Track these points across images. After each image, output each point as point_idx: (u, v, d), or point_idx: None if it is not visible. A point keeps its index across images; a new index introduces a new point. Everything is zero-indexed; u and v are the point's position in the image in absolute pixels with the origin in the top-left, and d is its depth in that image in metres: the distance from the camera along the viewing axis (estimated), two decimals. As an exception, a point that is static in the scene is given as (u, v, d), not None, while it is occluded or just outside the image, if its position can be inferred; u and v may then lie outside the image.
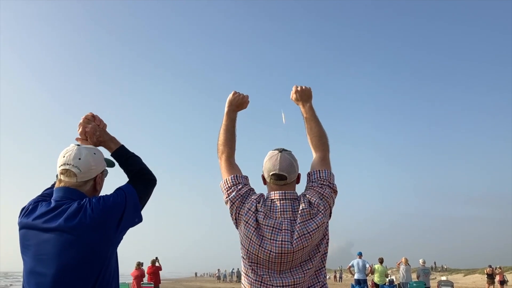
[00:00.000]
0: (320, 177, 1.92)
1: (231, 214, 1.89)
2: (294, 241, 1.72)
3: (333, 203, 1.91)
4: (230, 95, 2.15)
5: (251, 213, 1.81)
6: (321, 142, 2.05)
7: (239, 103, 2.14)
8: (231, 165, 2.01)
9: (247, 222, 1.80)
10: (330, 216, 1.89)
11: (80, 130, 1.87)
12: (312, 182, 1.93)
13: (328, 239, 1.86)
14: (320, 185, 1.89)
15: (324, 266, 1.85)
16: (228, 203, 1.90)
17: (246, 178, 1.99)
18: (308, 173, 1.98)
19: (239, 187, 1.90)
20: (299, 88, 2.18)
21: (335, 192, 1.93)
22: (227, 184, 1.94)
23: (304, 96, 2.17)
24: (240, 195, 1.87)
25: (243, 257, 1.84)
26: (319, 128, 2.09)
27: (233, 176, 1.95)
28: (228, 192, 1.91)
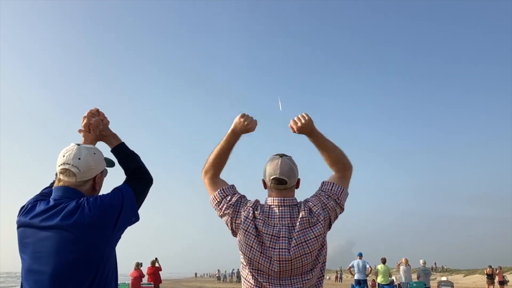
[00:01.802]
0: (331, 189, 1.92)
1: (227, 225, 1.91)
2: (292, 249, 1.75)
3: (336, 216, 1.91)
4: (237, 118, 1.96)
5: (249, 220, 1.83)
6: (342, 163, 1.96)
7: (244, 129, 1.96)
8: (214, 182, 2.00)
9: (246, 230, 1.82)
10: (329, 227, 1.91)
11: (85, 122, 1.90)
12: (322, 191, 1.94)
13: (325, 248, 1.88)
14: (327, 196, 1.90)
15: (323, 275, 1.89)
16: (223, 217, 1.93)
17: (232, 187, 1.99)
18: (323, 182, 1.98)
19: (228, 199, 1.92)
20: (299, 125, 1.93)
21: (341, 208, 1.92)
22: (216, 199, 1.95)
23: (306, 128, 1.93)
24: (232, 205, 1.89)
25: (243, 264, 1.86)
26: (335, 152, 1.96)
27: (220, 190, 1.96)
28: (220, 207, 1.93)
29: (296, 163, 1.94)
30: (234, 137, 1.98)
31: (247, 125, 1.95)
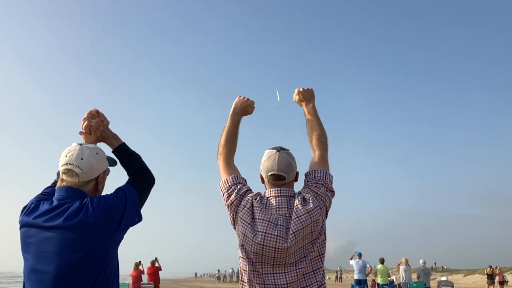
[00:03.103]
0: (315, 177, 1.93)
1: (230, 214, 1.91)
2: (289, 237, 1.73)
3: (330, 202, 1.91)
4: (236, 98, 2.17)
5: (246, 209, 1.83)
6: (320, 141, 2.06)
7: (243, 106, 2.15)
8: (229, 166, 2.04)
9: (242, 218, 1.82)
10: (326, 215, 1.90)
11: (85, 124, 1.89)
12: (308, 181, 1.95)
13: (324, 239, 1.86)
14: (315, 184, 1.90)
15: (322, 267, 1.85)
16: (228, 204, 1.91)
17: (244, 179, 2.01)
18: (306, 173, 2.00)
19: (238, 187, 1.92)
20: (301, 89, 2.20)
21: (332, 192, 1.93)
22: (228, 183, 1.95)
23: (307, 96, 2.19)
24: (240, 195, 1.90)
25: (240, 256, 1.86)
26: (319, 128, 2.10)
27: (233, 176, 1.97)
28: (229, 191, 1.92)
29: (294, 156, 1.94)
30: (236, 116, 2.13)
31: (247, 101, 2.15)
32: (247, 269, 1.80)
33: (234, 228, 1.91)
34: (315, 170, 1.95)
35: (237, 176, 1.98)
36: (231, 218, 1.91)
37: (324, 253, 1.86)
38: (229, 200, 1.90)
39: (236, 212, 1.87)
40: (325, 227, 1.88)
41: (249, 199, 1.87)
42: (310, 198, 1.83)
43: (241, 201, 1.88)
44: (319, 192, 1.87)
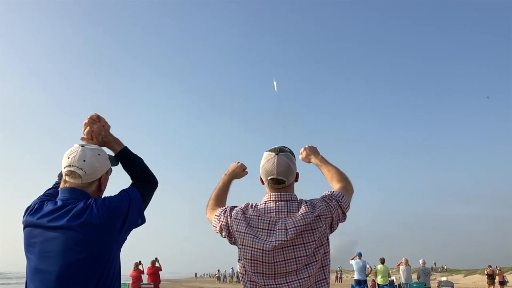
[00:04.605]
0: (332, 193, 1.93)
1: (226, 235, 1.89)
2: (289, 231, 1.72)
3: (338, 218, 1.88)
4: (234, 164, 2.30)
5: (238, 220, 1.83)
6: (345, 181, 2.07)
7: (236, 171, 2.28)
8: (212, 217, 2.03)
9: (237, 230, 1.81)
10: (331, 229, 1.87)
11: (87, 129, 1.88)
12: (326, 195, 1.93)
13: (327, 251, 1.83)
14: (329, 197, 1.91)
15: (325, 278, 1.81)
16: (221, 227, 1.90)
17: (224, 208, 1.99)
18: (326, 192, 1.99)
19: (222, 219, 1.91)
20: (306, 146, 2.30)
21: (343, 213, 1.91)
22: (216, 228, 1.94)
23: (313, 151, 2.27)
24: (226, 213, 1.91)
25: (240, 267, 1.84)
26: (337, 170, 2.14)
27: (214, 218, 1.96)
28: (222, 233, 1.90)
29: (293, 157, 1.92)
30: (227, 178, 2.25)
31: (241, 166, 2.28)
32: (248, 282, 1.79)
33: (234, 243, 1.88)
34: (334, 190, 1.97)
35: (215, 215, 1.97)
36: (227, 237, 1.88)
37: (328, 265, 1.83)
38: (220, 224, 1.89)
39: (230, 227, 1.85)
40: (328, 238, 1.85)
41: (238, 211, 1.86)
42: (319, 207, 1.82)
43: (230, 217, 1.87)
44: (331, 205, 1.86)
